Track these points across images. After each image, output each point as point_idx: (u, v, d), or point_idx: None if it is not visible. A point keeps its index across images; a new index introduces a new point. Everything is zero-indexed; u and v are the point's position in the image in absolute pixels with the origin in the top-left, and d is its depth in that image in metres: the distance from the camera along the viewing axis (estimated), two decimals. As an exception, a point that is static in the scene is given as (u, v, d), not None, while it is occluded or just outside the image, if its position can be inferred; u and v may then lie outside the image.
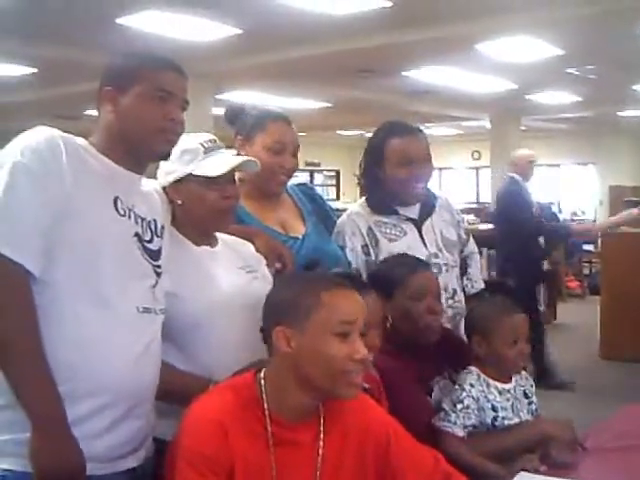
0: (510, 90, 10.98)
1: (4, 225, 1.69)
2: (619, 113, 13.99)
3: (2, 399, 1.72)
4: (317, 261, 2.03)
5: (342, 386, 1.77)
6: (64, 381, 1.72)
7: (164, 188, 2.19)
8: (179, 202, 2.18)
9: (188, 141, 2.15)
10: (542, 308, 6.95)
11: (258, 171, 2.34)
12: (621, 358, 7.38)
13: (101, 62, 2.02)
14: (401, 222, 2.83)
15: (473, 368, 2.42)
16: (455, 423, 2.31)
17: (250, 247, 2.35)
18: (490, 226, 8.23)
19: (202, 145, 2.19)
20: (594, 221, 15.15)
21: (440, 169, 19.70)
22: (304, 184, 3.04)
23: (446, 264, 2.83)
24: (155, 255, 1.97)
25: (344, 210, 2.99)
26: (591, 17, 6.79)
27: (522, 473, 2.16)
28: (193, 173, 2.15)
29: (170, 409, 1.97)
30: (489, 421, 2.35)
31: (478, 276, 3.07)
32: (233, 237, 2.32)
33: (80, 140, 1.90)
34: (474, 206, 14.93)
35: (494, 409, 2.36)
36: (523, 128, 14.34)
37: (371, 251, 2.77)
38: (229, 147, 2.45)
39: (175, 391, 1.99)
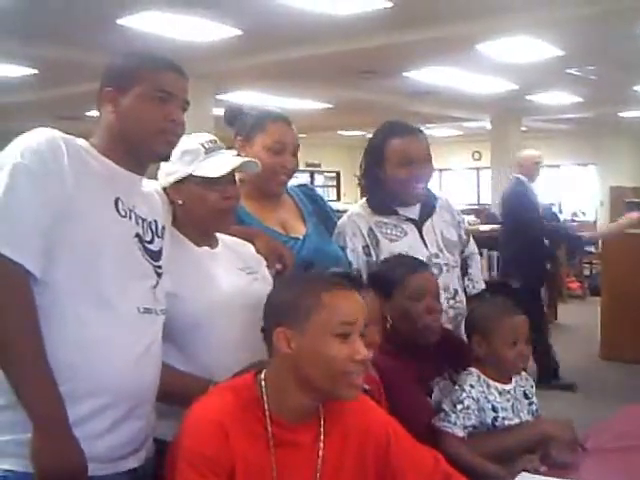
0: (511, 91, 10.98)
1: (4, 225, 1.69)
2: (620, 114, 13.99)
3: (3, 399, 1.72)
4: (311, 263, 2.03)
5: (343, 387, 1.77)
6: (65, 381, 1.72)
7: (165, 189, 2.19)
8: (180, 203, 2.18)
9: (189, 142, 2.15)
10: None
11: (259, 171, 2.34)
12: (621, 359, 7.38)
13: (102, 63, 2.02)
14: (402, 222, 2.83)
15: (473, 369, 2.42)
16: (455, 423, 2.32)
17: (250, 248, 2.35)
18: (490, 227, 8.24)
19: (203, 146, 2.19)
20: (594, 222, 15.16)
21: (440, 170, 19.70)
22: (305, 185, 3.04)
23: (447, 264, 2.83)
24: (156, 256, 1.97)
25: (344, 211, 2.99)
26: (591, 17, 6.80)
27: (523, 473, 2.16)
28: (194, 174, 2.16)
29: (170, 410, 1.97)
30: (489, 421, 2.35)
31: (479, 277, 3.07)
32: (233, 238, 2.32)
33: (81, 141, 1.90)
34: (475, 207, 14.92)
35: (494, 410, 2.36)
36: (524, 129, 14.34)
37: (372, 252, 2.77)
38: (230, 148, 2.45)
39: (175, 392, 1.99)
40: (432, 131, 15.70)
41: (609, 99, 12.19)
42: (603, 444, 2.43)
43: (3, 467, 1.72)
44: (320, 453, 1.81)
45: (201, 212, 2.18)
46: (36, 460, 1.66)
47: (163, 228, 2.03)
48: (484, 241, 6.57)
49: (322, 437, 1.82)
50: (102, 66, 1.99)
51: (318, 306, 1.75)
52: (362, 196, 2.98)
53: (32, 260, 1.70)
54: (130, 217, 1.91)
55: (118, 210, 1.88)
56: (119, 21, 6.83)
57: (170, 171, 2.18)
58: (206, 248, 2.23)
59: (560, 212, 14.06)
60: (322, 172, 21.69)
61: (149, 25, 6.95)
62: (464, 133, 18.24)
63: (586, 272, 12.88)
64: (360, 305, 1.81)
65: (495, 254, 7.35)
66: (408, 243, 2.79)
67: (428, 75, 9.66)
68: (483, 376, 2.40)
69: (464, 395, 2.35)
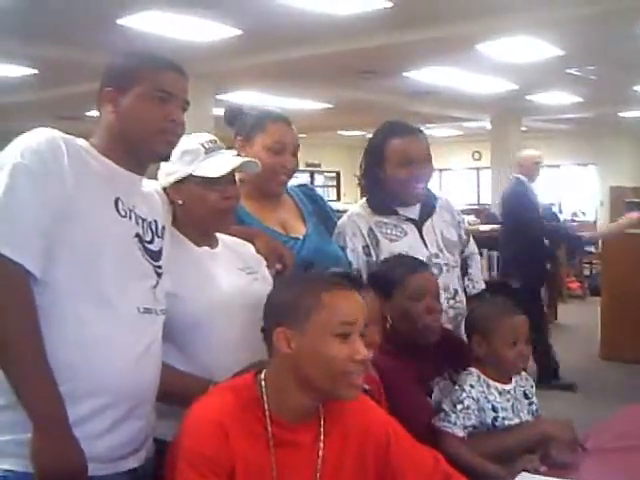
0: (511, 91, 10.98)
1: (4, 225, 1.69)
2: (620, 114, 13.99)
3: (3, 399, 1.72)
4: (311, 263, 2.03)
5: (343, 387, 1.77)
6: (65, 381, 1.72)
7: (165, 189, 2.19)
8: (180, 203, 2.18)
9: (189, 142, 2.15)
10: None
11: (259, 171, 2.34)
12: (621, 359, 7.38)
13: (102, 63, 2.02)
14: (402, 222, 2.83)
15: (473, 369, 2.42)
16: (455, 423, 2.32)
17: (250, 248, 2.35)
18: (490, 227, 8.24)
19: (203, 146, 2.19)
20: (594, 222, 15.16)
21: (440, 170, 19.70)
22: (305, 185, 3.04)
23: (447, 264, 2.83)
24: (156, 256, 1.97)
25: (344, 211, 2.99)
26: (591, 17, 6.80)
27: (523, 473, 2.16)
28: (194, 174, 2.16)
29: (170, 410, 1.97)
30: (489, 421, 2.35)
31: (479, 277, 3.08)
32: (233, 238, 2.32)
33: (81, 141, 1.90)
34: (475, 207, 14.92)
35: (494, 410, 2.36)
36: (524, 129, 14.34)
37: (372, 252, 2.77)
38: (230, 148, 2.45)
39: (175, 392, 1.99)
40: (432, 131, 15.70)
41: (609, 99, 12.19)
42: (603, 444, 2.43)
43: (3, 467, 1.72)
44: (320, 453, 1.81)
45: (201, 212, 2.18)
46: (36, 460, 1.66)
47: (163, 228, 2.03)
48: (484, 241, 6.56)
49: (322, 437, 1.82)
50: (102, 66, 1.99)
51: (318, 306, 1.75)
52: (362, 196, 2.98)
53: (32, 260, 1.70)
54: (130, 217, 1.91)
55: (118, 210, 1.88)
56: (119, 21, 6.83)
57: (170, 171, 2.18)
58: (206, 248, 2.23)
59: (560, 212, 14.06)
60: (322, 172, 21.69)
61: (149, 25, 6.95)
62: (464, 133, 18.24)
63: (586, 272, 12.88)
64: (360, 305, 1.81)
65: (495, 254, 7.35)
66: (408, 243, 2.79)
67: (428, 75, 9.67)
68: (483, 376, 2.40)
69: (464, 395, 2.35)
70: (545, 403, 2.71)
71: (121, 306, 1.84)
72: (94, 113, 1.97)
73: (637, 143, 17.05)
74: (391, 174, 2.80)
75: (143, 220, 1.95)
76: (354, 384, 1.77)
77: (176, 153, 2.05)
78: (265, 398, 1.79)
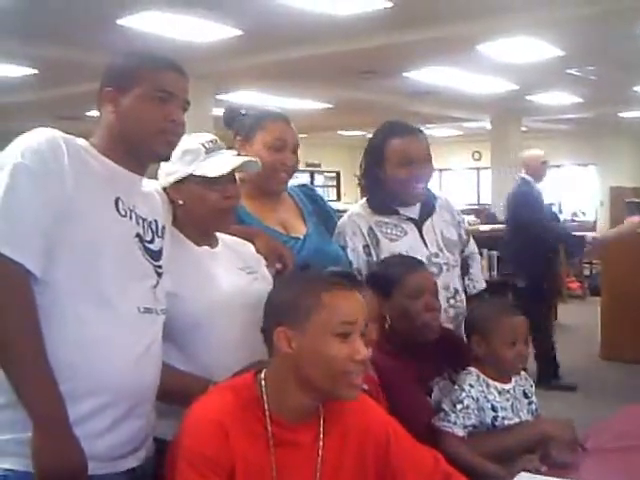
0: (511, 91, 10.99)
1: (5, 225, 1.69)
2: (620, 114, 14.00)
3: (3, 398, 1.72)
4: (307, 265, 2.03)
5: (343, 387, 1.77)
6: (65, 380, 1.72)
7: (165, 189, 2.19)
8: (180, 202, 2.18)
9: (189, 141, 2.15)
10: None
11: (259, 170, 2.34)
12: (621, 359, 7.38)
13: (102, 63, 2.02)
14: (402, 222, 2.83)
15: (472, 369, 2.42)
16: (455, 423, 2.32)
17: (250, 248, 2.35)
18: (490, 227, 8.25)
19: (203, 145, 2.19)
20: (594, 222, 15.16)
21: (440, 170, 19.70)
22: (305, 185, 3.04)
23: (447, 264, 2.83)
24: (156, 255, 1.97)
25: (345, 211, 2.99)
26: (591, 17, 6.80)
27: (522, 473, 2.16)
28: (194, 173, 2.16)
29: (170, 409, 1.97)
30: (489, 421, 2.35)
31: (479, 276, 3.08)
32: (233, 238, 2.32)
33: (81, 141, 1.90)
34: (475, 207, 14.92)
35: (494, 409, 2.36)
36: (524, 129, 14.35)
37: (372, 251, 2.77)
38: (230, 148, 2.45)
39: (175, 392, 1.99)
40: (432, 131, 15.70)
41: (609, 99, 12.20)
42: (603, 444, 2.43)
43: (3, 466, 1.72)
44: (320, 453, 1.81)
45: (201, 212, 2.18)
46: (36, 459, 1.66)
47: (163, 228, 2.03)
48: (484, 241, 6.57)
49: (322, 437, 1.82)
50: (102, 66, 1.99)
51: (318, 306, 1.75)
52: (362, 196, 2.98)
53: (32, 260, 1.70)
54: (130, 217, 1.91)
55: (118, 210, 1.88)
56: (119, 21, 6.83)
57: (170, 171, 2.18)
58: (206, 248, 2.23)
59: (560, 212, 14.06)
60: (322, 172, 21.70)
61: (149, 25, 6.96)
62: (464, 133, 18.25)
63: (586, 272, 12.88)
64: (360, 305, 1.81)
65: (495, 254, 7.36)
66: (408, 243, 2.79)
67: (428, 75, 9.67)
68: (482, 376, 2.40)
69: (464, 395, 2.35)
70: (545, 403, 2.72)
71: (121, 306, 1.84)
72: (94, 113, 1.97)
73: (637, 143, 17.05)
74: (391, 174, 2.80)
75: (143, 220, 1.95)
76: (354, 384, 1.77)
77: (176, 153, 2.05)
78: (265, 398, 1.79)
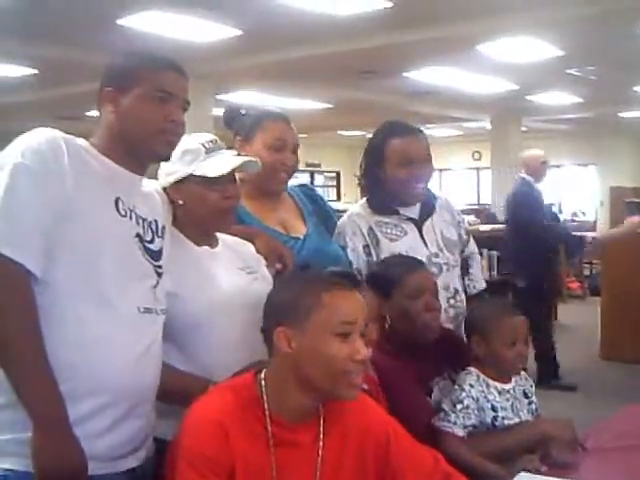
0: (511, 91, 10.99)
1: (5, 225, 1.69)
2: (620, 114, 14.00)
3: (3, 398, 1.72)
4: (307, 265, 2.03)
5: (343, 387, 1.77)
6: (65, 380, 1.72)
7: (165, 189, 2.19)
8: (180, 202, 2.18)
9: (189, 141, 2.15)
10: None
11: (259, 170, 2.34)
12: (621, 359, 7.38)
13: (102, 63, 2.02)
14: (402, 222, 2.83)
15: (472, 369, 2.42)
16: (455, 423, 2.32)
17: (250, 248, 2.35)
18: (490, 227, 8.25)
19: (203, 145, 2.19)
20: (594, 222, 15.16)
21: (441, 170, 19.70)
22: (305, 185, 3.04)
23: (447, 264, 2.83)
24: (156, 255, 1.97)
25: (345, 211, 2.99)
26: (591, 17, 6.80)
27: (522, 473, 2.16)
28: (194, 173, 2.16)
29: (170, 409, 1.97)
30: (489, 421, 2.35)
31: (479, 276, 3.08)
32: (233, 238, 2.32)
33: (81, 141, 1.90)
34: (475, 207, 14.93)
35: (494, 409, 2.36)
36: (524, 129, 14.35)
37: (372, 251, 2.77)
38: (230, 148, 2.45)
39: (175, 392, 1.99)
40: (432, 131, 15.70)
41: (609, 99, 12.20)
42: (603, 444, 2.43)
43: (3, 466, 1.72)
44: (320, 453, 1.81)
45: (201, 212, 2.18)
46: (36, 459, 1.66)
47: (163, 228, 2.04)
48: (484, 241, 6.57)
49: (322, 437, 1.82)
50: (102, 66, 1.99)
51: (318, 306, 1.75)
52: (362, 196, 2.98)
53: (33, 260, 1.70)
54: (130, 217, 1.91)
55: (118, 210, 1.88)
56: (119, 21, 6.83)
57: (170, 171, 2.18)
58: (206, 248, 2.23)
59: (560, 212, 14.07)
60: (322, 172, 21.70)
61: (149, 25, 6.96)
62: (464, 133, 18.25)
63: (586, 272, 12.88)
64: (360, 305, 1.81)
65: (495, 254, 7.37)
66: (408, 243, 2.79)
67: (428, 75, 9.67)
68: (482, 375, 2.40)
69: (463, 395, 2.35)
70: (545, 403, 2.72)
71: (121, 306, 1.84)
72: (94, 113, 1.97)
73: (637, 143, 17.05)
74: (391, 174, 2.80)
75: (143, 220, 1.95)
76: (354, 383, 1.77)
77: (176, 153, 2.04)
78: (265, 398, 1.79)
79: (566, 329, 9.24)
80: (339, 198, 20.48)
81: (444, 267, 2.81)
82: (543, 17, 6.85)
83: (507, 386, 2.43)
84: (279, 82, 9.97)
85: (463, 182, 20.61)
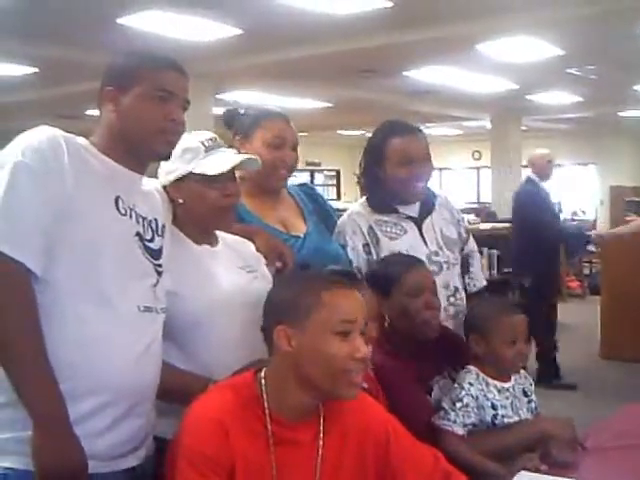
0: (511, 90, 10.98)
1: (5, 224, 1.70)
2: (620, 113, 13.99)
3: (3, 397, 1.72)
4: (307, 265, 2.03)
5: (343, 386, 1.77)
6: (65, 379, 1.72)
7: (165, 187, 2.20)
8: (180, 201, 2.18)
9: (189, 140, 2.15)
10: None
11: (259, 168, 2.34)
12: (621, 358, 7.39)
13: (102, 62, 2.02)
14: (401, 221, 2.83)
15: (472, 367, 2.42)
16: (455, 421, 2.32)
17: (250, 247, 2.35)
18: (491, 225, 8.26)
19: (203, 144, 2.19)
20: (594, 221, 15.16)
21: (440, 169, 19.70)
22: (305, 184, 3.05)
23: (447, 262, 2.83)
24: (156, 254, 1.97)
25: (345, 210, 2.99)
26: (591, 17, 6.80)
27: (522, 472, 2.16)
28: (194, 172, 2.16)
29: (170, 408, 1.97)
30: (489, 419, 2.35)
31: (480, 274, 3.08)
32: (233, 236, 2.32)
33: (81, 139, 1.90)
34: (475, 206, 14.94)
35: (494, 407, 2.37)
36: (524, 128, 14.34)
37: (372, 250, 2.78)
38: (230, 147, 2.45)
39: (175, 390, 1.99)
40: (432, 130, 15.69)
41: (609, 99, 12.19)
42: (603, 443, 2.43)
43: (4, 465, 1.72)
44: (320, 451, 1.81)
45: (201, 210, 2.18)
46: (37, 458, 1.66)
47: (163, 227, 2.04)
48: (484, 240, 6.58)
49: (322, 435, 1.83)
50: (102, 65, 1.99)
51: (318, 304, 1.75)
52: (362, 195, 2.98)
53: (33, 259, 1.71)
54: (130, 216, 1.91)
55: (118, 209, 1.88)
56: (119, 20, 6.82)
57: (170, 169, 2.18)
58: (206, 246, 2.23)
59: (560, 211, 14.04)
60: (322, 171, 21.70)
61: (149, 24, 6.95)
62: (464, 132, 18.24)
63: (586, 271, 12.88)
64: (360, 303, 1.81)
65: (495, 252, 7.37)
66: (408, 241, 2.79)
67: (428, 74, 9.66)
68: (482, 374, 2.40)
69: (463, 393, 2.35)
70: (545, 402, 2.72)
71: (121, 305, 1.85)
72: (94, 112, 1.97)
73: (637, 143, 17.05)
74: (391, 173, 2.80)
75: (143, 219, 1.95)
76: (354, 382, 1.77)
77: (176, 151, 2.05)
78: (265, 396, 1.79)
79: (566, 328, 9.22)
80: (339, 197, 20.48)
81: (444, 265, 2.81)
82: (543, 17, 6.84)
83: (507, 384, 2.43)
84: (279, 81, 9.97)
85: (463, 181, 20.60)
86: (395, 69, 9.40)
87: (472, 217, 9.32)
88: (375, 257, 2.76)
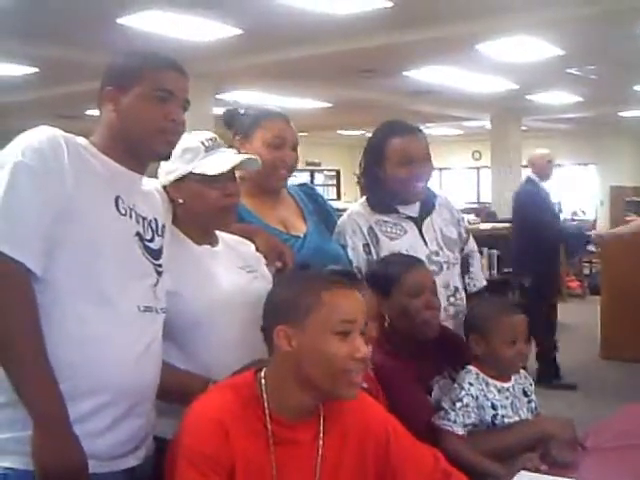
0: (511, 90, 10.98)
1: (5, 224, 1.70)
2: (620, 113, 13.99)
3: (3, 397, 1.72)
4: (307, 264, 2.03)
5: (343, 386, 1.77)
6: (65, 379, 1.72)
7: (165, 187, 2.20)
8: (180, 201, 2.18)
9: (189, 140, 2.15)
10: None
11: (259, 168, 2.34)
12: (621, 358, 7.39)
13: (102, 62, 2.02)
14: (401, 221, 2.83)
15: (472, 367, 2.42)
16: (455, 421, 2.32)
17: (250, 247, 2.35)
18: (491, 225, 8.26)
19: (203, 144, 2.19)
20: (594, 221, 15.16)
21: (441, 169, 19.70)
22: (305, 184, 3.05)
23: (447, 262, 2.83)
24: (156, 254, 1.97)
25: (345, 210, 2.99)
26: (591, 17, 6.80)
27: (522, 472, 2.16)
28: (194, 171, 2.16)
29: (170, 408, 1.97)
30: (489, 419, 2.35)
31: (480, 274, 3.08)
32: (233, 236, 2.32)
33: (81, 139, 1.90)
34: (475, 206, 14.93)
35: (494, 407, 2.37)
36: (524, 128, 14.34)
37: (372, 250, 2.78)
38: (230, 147, 2.45)
39: (175, 390, 1.99)
40: (432, 130, 15.70)
41: (609, 99, 12.20)
42: (603, 443, 2.42)
43: (3, 465, 1.72)
44: (320, 451, 1.81)
45: (202, 210, 2.17)
46: (37, 458, 1.66)
47: (163, 226, 2.04)
48: (484, 240, 6.59)
49: (322, 435, 1.83)
50: (102, 65, 1.99)
51: (318, 304, 1.75)
52: (362, 195, 2.98)
53: (33, 259, 1.71)
54: (130, 216, 1.91)
55: (118, 209, 1.88)
56: (119, 20, 6.83)
57: (170, 169, 2.18)
58: (206, 246, 2.23)
59: (560, 211, 14.04)
60: (322, 171, 21.70)
61: (149, 24, 6.95)
62: (464, 132, 18.24)
63: (586, 271, 12.87)
64: (360, 303, 1.81)
65: (495, 252, 7.37)
66: (408, 241, 2.79)
67: (428, 74, 9.66)
68: (482, 374, 2.40)
69: (463, 393, 2.35)
70: (545, 402, 2.72)
71: (121, 305, 1.85)
72: (94, 112, 1.97)
73: (637, 142, 17.05)
74: (391, 173, 2.80)
75: (143, 219, 1.95)
76: (354, 382, 1.77)
77: (176, 151, 2.04)
78: (265, 396, 1.79)
79: (566, 328, 9.22)
80: (339, 197, 20.49)
81: (444, 265, 2.81)
82: (543, 17, 6.84)
83: (507, 384, 2.43)
84: (279, 81, 9.97)
85: (463, 181, 20.60)
86: (395, 69, 9.40)
87: (472, 217, 9.32)
88: (375, 257, 2.76)
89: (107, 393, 1.80)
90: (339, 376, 1.75)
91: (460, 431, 2.32)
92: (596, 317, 7.99)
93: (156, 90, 1.91)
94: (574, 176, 18.78)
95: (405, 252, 2.72)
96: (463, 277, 2.95)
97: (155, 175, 2.20)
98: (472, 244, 3.06)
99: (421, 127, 2.98)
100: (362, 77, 9.79)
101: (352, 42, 7.67)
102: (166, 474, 1.76)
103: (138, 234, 1.92)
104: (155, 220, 2.00)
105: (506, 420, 2.37)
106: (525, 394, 2.48)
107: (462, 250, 2.97)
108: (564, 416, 2.50)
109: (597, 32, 7.41)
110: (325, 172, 21.92)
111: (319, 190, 3.25)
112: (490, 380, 2.40)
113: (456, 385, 2.39)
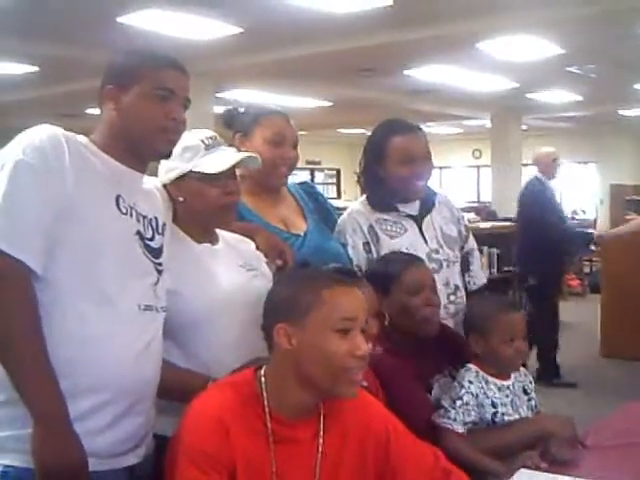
0: (511, 89, 10.98)
1: (6, 222, 1.70)
2: (620, 112, 13.99)
3: (3, 395, 1.73)
4: (307, 263, 2.04)
5: (343, 384, 1.77)
6: (65, 377, 1.72)
7: (165, 186, 2.20)
8: (180, 199, 2.18)
9: (189, 138, 2.15)
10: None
11: (259, 166, 2.34)
12: (621, 356, 7.39)
13: (102, 60, 2.02)
14: (401, 219, 2.84)
15: (471, 365, 2.42)
16: (455, 420, 2.32)
17: (251, 245, 2.35)
18: (491, 224, 8.25)
19: (203, 142, 2.19)
20: (594, 220, 15.15)
21: (441, 168, 19.70)
22: (305, 183, 3.04)
23: (447, 260, 2.84)
24: (156, 253, 1.97)
25: (345, 208, 2.99)
26: (592, 17, 6.80)
27: (522, 470, 2.16)
28: (194, 170, 2.15)
29: (170, 406, 1.97)
30: (489, 417, 2.35)
31: (480, 272, 3.08)
32: (234, 235, 2.32)
33: (81, 138, 1.90)
34: (475, 204, 14.93)
35: (493, 405, 2.37)
36: (524, 127, 14.34)
37: (372, 248, 2.78)
38: (230, 145, 2.45)
39: (175, 388, 1.99)
40: (432, 129, 15.70)
41: (609, 97, 12.19)
42: (603, 441, 2.42)
43: (3, 462, 1.72)
44: (320, 449, 1.82)
45: (202, 208, 2.17)
46: (37, 456, 1.66)
47: (164, 225, 2.04)
48: (484, 238, 6.58)
49: (322, 433, 1.83)
50: (102, 64, 1.99)
51: (318, 302, 1.75)
52: (362, 193, 2.99)
53: (34, 257, 1.71)
54: (131, 214, 1.91)
55: (119, 207, 1.88)
56: (119, 19, 6.83)
57: (170, 168, 2.17)
58: (207, 245, 2.23)
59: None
60: (322, 170, 21.70)
61: (149, 23, 6.95)
62: (464, 131, 18.24)
63: (586, 270, 12.87)
64: (360, 301, 1.81)
65: (495, 251, 7.37)
66: (408, 239, 2.79)
67: (428, 73, 9.66)
68: (482, 372, 2.40)
69: (463, 391, 2.35)
70: (545, 400, 2.72)
71: (121, 303, 1.85)
72: (95, 110, 1.97)
73: (637, 141, 17.05)
74: (392, 171, 2.80)
75: (144, 217, 1.95)
76: (354, 380, 1.78)
77: (176, 150, 2.04)
78: (265, 394, 1.79)
79: (566, 327, 9.21)
80: (339, 195, 20.49)
81: (444, 263, 2.82)
82: (543, 16, 6.85)
83: (506, 382, 2.43)
84: (279, 80, 9.97)
85: (463, 180, 20.60)
86: (395, 68, 9.40)
87: (472, 216, 9.30)
88: (375, 255, 2.76)
89: (107, 391, 1.80)
90: (339, 374, 1.75)
91: (460, 429, 2.32)
92: (596, 315, 8.00)
93: (157, 89, 1.91)
94: (574, 175, 18.78)
95: (405, 250, 2.72)
96: (463, 275, 2.96)
97: (156, 174, 2.20)
98: (472, 242, 3.06)
99: (421, 126, 2.98)
100: (362, 76, 9.79)
101: (352, 41, 7.67)
102: (166, 472, 1.76)
103: (138, 233, 1.92)
104: (155, 219, 2.00)
105: (506, 418, 2.37)
106: (525, 392, 2.48)
107: (462, 248, 2.98)
108: (564, 414, 2.50)
109: (597, 31, 7.41)
110: (325, 171, 21.92)
111: (319, 189, 3.25)
112: (490, 378, 2.40)
113: (456, 383, 2.40)
